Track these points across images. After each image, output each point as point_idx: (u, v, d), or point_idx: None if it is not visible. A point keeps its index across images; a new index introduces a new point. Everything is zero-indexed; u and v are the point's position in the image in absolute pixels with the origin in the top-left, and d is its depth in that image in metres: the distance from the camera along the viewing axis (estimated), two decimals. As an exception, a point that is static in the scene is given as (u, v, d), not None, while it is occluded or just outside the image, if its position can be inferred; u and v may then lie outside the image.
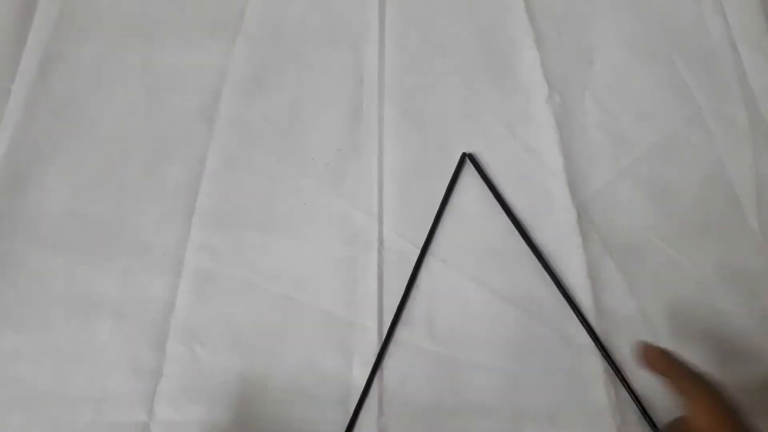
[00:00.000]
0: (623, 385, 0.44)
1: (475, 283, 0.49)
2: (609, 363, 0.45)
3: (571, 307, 0.47)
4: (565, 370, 0.46)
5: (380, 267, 0.50)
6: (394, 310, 0.48)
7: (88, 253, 0.51)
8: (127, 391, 0.46)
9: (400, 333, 0.47)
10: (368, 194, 0.53)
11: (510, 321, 0.48)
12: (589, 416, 0.44)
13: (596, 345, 0.45)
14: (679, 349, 0.44)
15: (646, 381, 0.44)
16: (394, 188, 0.54)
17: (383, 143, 0.56)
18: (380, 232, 0.52)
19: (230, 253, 0.51)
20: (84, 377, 0.46)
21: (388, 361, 0.46)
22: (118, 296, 0.49)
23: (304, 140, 0.56)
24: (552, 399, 0.45)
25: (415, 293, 0.49)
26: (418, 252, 0.50)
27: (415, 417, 0.44)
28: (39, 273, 0.50)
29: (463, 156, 0.53)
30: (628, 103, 0.58)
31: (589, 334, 0.46)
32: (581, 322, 0.46)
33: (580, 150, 0.55)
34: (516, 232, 0.50)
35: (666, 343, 0.45)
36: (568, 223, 0.51)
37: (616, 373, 0.44)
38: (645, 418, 0.43)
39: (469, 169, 0.53)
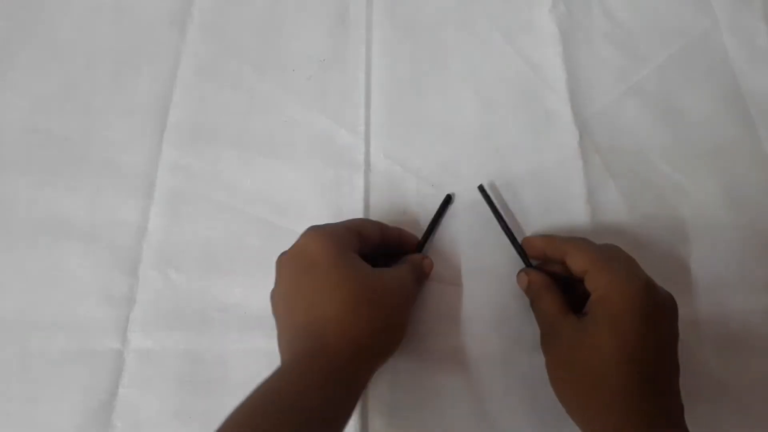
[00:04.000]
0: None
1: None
2: None
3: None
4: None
5: (367, 191, 0.47)
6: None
7: (52, 172, 0.49)
8: (99, 317, 0.44)
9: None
10: (354, 111, 0.50)
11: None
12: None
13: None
14: (681, 276, 0.43)
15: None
16: (383, 104, 0.51)
17: (371, 53, 0.53)
18: (367, 153, 0.49)
19: (205, 174, 0.48)
20: (54, 303, 0.44)
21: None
22: (87, 219, 0.47)
23: (284, 49, 0.53)
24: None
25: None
26: (407, 175, 0.48)
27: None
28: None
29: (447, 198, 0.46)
30: (639, 13, 0.55)
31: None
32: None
33: (584, 64, 0.52)
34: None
35: (668, 270, 0.43)
36: (569, 144, 0.48)
37: None
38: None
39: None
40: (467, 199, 0.47)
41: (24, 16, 0.55)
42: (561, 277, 0.40)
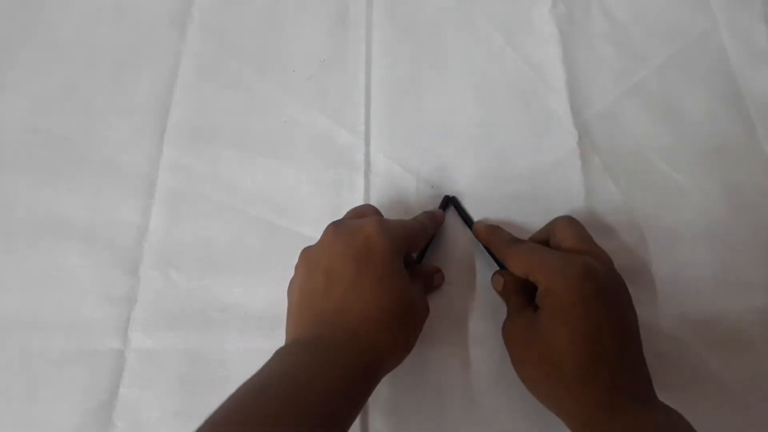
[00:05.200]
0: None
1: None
2: None
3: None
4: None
5: (367, 191, 0.47)
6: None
7: (52, 172, 0.49)
8: (99, 317, 0.44)
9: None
10: (354, 111, 0.50)
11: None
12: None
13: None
14: (681, 277, 0.43)
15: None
16: (383, 104, 0.51)
17: (371, 53, 0.52)
18: (367, 153, 0.49)
19: (205, 174, 0.48)
20: (54, 303, 0.44)
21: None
22: (88, 219, 0.47)
23: (284, 49, 0.53)
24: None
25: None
26: (407, 175, 0.48)
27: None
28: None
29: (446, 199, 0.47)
30: (639, 13, 0.55)
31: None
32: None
33: (584, 65, 0.52)
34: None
35: (668, 271, 0.43)
36: (568, 144, 0.48)
37: None
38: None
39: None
40: (467, 199, 0.47)
41: (24, 16, 0.55)
42: None
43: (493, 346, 0.42)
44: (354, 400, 0.33)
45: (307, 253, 0.38)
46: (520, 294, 0.40)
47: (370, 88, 0.51)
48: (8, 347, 0.43)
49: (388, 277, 0.35)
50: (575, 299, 0.35)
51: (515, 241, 0.41)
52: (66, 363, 0.42)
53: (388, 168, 0.48)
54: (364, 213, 0.41)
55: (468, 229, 0.46)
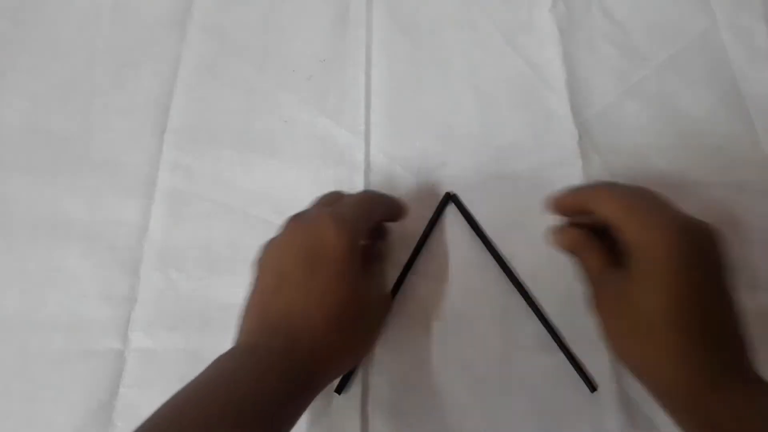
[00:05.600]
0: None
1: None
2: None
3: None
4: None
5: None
6: (381, 236, 0.45)
7: (52, 172, 0.49)
8: (99, 317, 0.44)
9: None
10: (354, 111, 0.50)
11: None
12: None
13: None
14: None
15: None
16: (383, 104, 0.51)
17: (371, 53, 0.53)
18: (367, 153, 0.49)
19: (205, 174, 0.48)
20: (54, 303, 0.44)
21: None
22: (87, 219, 0.47)
23: (284, 49, 0.53)
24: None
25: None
26: (407, 176, 0.48)
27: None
28: (-1, 194, 0.48)
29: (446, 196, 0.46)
30: (639, 13, 0.55)
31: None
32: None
33: (584, 65, 0.52)
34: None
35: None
36: (569, 144, 0.48)
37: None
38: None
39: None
40: (466, 199, 0.47)
41: (24, 16, 0.55)
42: (593, 227, 0.38)
43: (494, 346, 0.42)
44: (293, 405, 0.32)
45: (264, 250, 0.37)
46: (595, 250, 0.36)
47: (370, 88, 0.51)
48: (8, 347, 0.43)
49: (340, 280, 0.34)
50: (674, 258, 0.30)
51: (603, 182, 0.37)
52: (66, 363, 0.42)
53: (388, 168, 0.48)
54: (330, 202, 0.39)
55: (468, 227, 0.45)
